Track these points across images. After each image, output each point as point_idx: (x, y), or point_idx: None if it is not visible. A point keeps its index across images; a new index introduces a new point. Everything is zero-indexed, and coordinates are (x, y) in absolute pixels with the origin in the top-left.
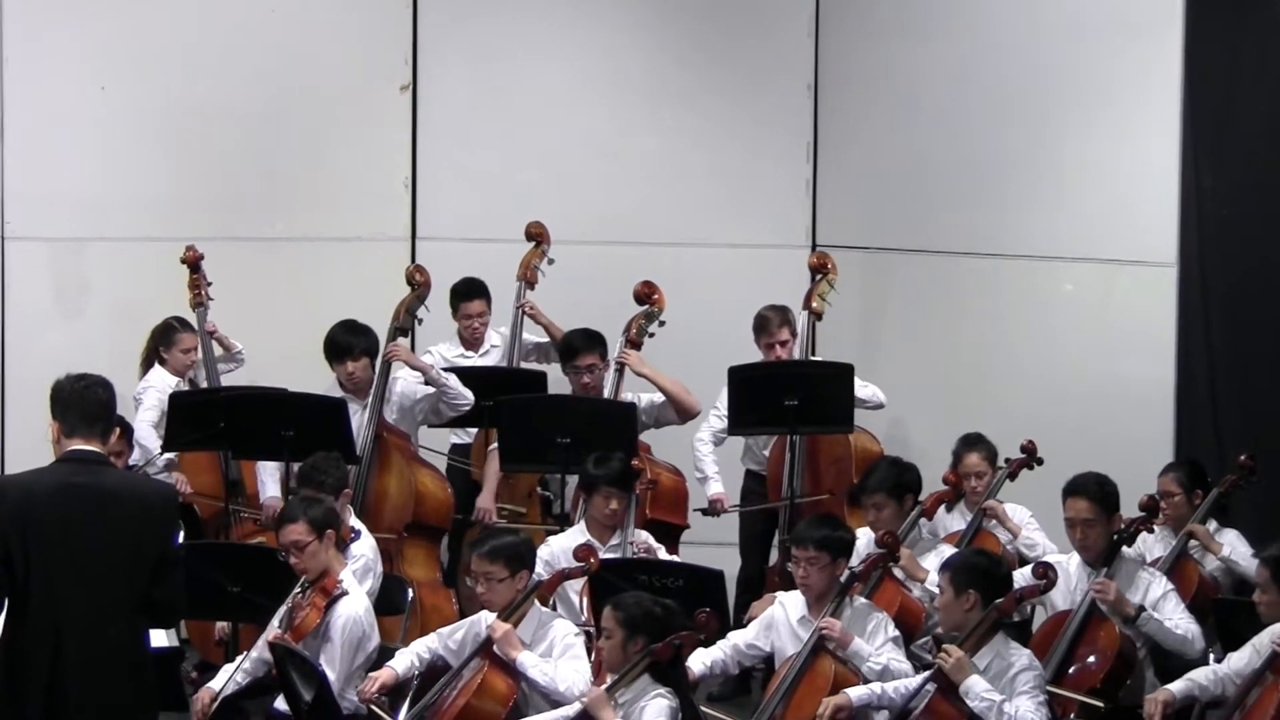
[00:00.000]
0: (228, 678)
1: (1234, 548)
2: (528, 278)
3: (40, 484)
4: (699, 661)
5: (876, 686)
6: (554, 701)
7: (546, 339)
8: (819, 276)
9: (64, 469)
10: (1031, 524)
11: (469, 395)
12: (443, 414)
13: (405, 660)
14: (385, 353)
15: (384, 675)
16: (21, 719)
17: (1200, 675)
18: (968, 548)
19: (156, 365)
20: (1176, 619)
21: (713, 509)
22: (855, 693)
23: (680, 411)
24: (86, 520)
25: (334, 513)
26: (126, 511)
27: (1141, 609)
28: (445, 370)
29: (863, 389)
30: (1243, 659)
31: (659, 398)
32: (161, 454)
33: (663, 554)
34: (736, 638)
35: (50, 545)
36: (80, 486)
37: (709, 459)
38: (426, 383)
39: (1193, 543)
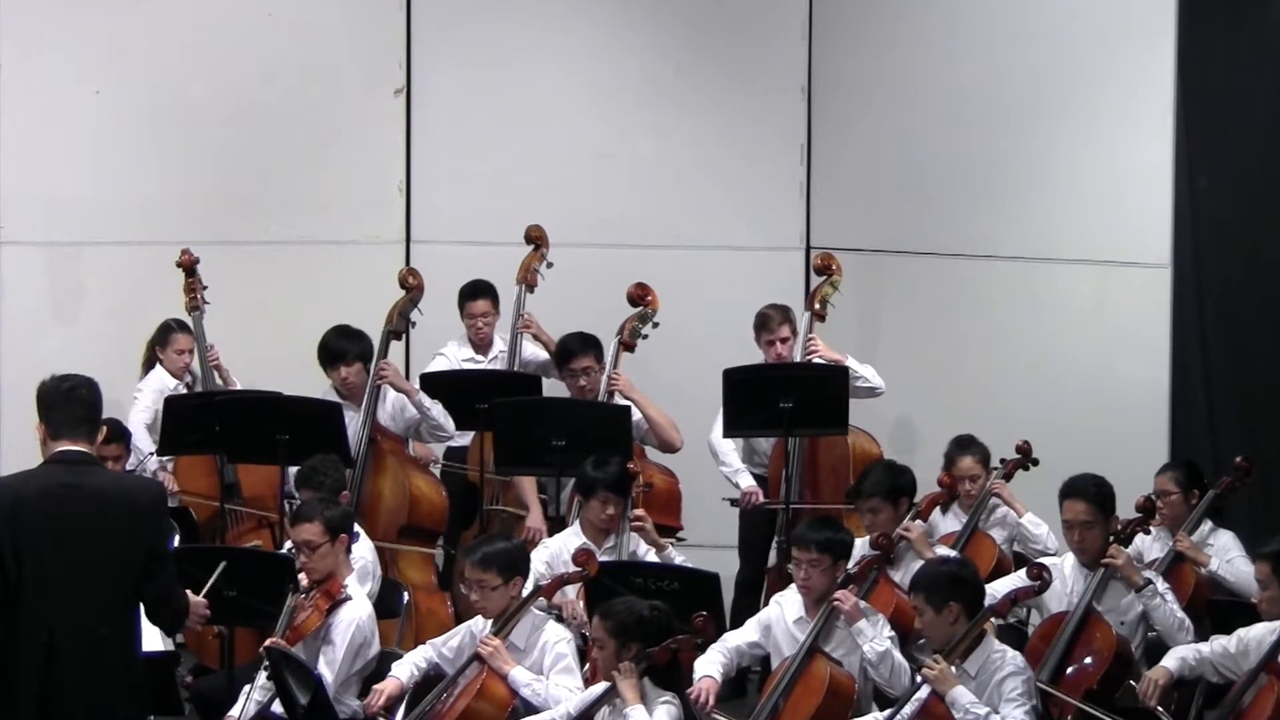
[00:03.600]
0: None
1: (1228, 551)
2: (528, 281)
3: (29, 486)
4: (715, 668)
5: (880, 715)
6: None
7: (547, 356)
8: (823, 278)
9: (52, 470)
10: (1033, 519)
11: (450, 428)
12: (424, 437)
13: (406, 670)
14: (375, 372)
15: (390, 686)
16: (14, 718)
17: (1188, 653)
18: (930, 559)
19: (157, 366)
20: (1176, 607)
21: (745, 500)
22: None
23: (661, 444)
24: (76, 521)
25: (349, 517)
26: (116, 511)
27: (1149, 581)
28: (447, 372)
29: (860, 367)
30: (1229, 647)
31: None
32: (153, 456)
33: (651, 556)
34: (735, 640)
35: (40, 547)
36: (69, 487)
37: (733, 452)
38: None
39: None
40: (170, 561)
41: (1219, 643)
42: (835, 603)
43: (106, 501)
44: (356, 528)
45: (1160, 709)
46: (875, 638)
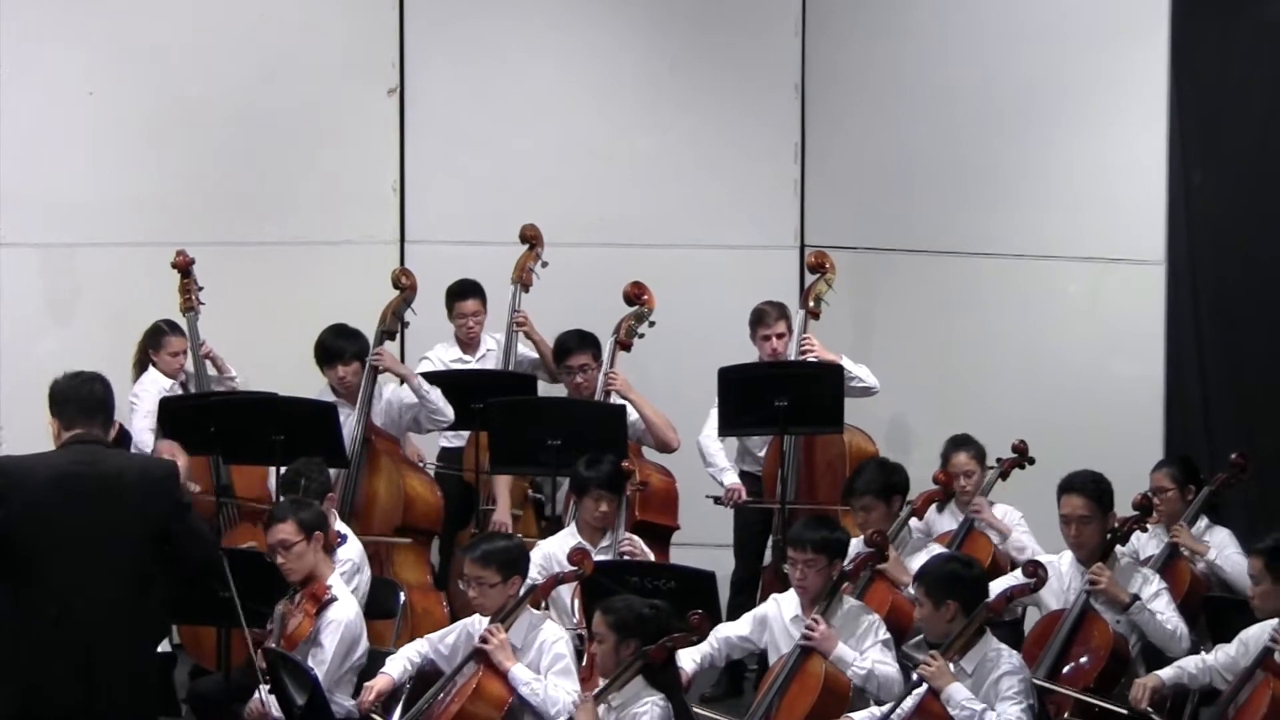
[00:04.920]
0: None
1: (1224, 547)
2: (523, 280)
3: (42, 466)
4: (689, 660)
5: (877, 710)
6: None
7: (539, 355)
8: (817, 275)
9: (67, 452)
10: (1021, 526)
11: (449, 413)
12: (423, 426)
13: (399, 665)
14: (370, 359)
15: (380, 683)
16: (39, 699)
17: (1189, 663)
18: (938, 554)
19: (150, 368)
20: (1167, 615)
21: (729, 497)
22: (859, 716)
23: (658, 444)
24: (93, 502)
25: (323, 516)
26: (132, 491)
27: (1136, 597)
28: (441, 373)
29: (854, 367)
30: (1230, 652)
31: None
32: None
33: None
34: (727, 631)
35: (58, 529)
36: (88, 465)
37: (720, 452)
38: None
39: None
40: (197, 530)
41: (1223, 651)
42: (804, 641)
43: (122, 481)
44: (345, 529)
45: (1152, 711)
46: (855, 662)
